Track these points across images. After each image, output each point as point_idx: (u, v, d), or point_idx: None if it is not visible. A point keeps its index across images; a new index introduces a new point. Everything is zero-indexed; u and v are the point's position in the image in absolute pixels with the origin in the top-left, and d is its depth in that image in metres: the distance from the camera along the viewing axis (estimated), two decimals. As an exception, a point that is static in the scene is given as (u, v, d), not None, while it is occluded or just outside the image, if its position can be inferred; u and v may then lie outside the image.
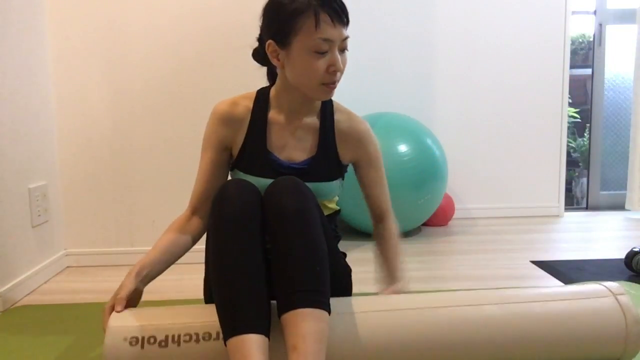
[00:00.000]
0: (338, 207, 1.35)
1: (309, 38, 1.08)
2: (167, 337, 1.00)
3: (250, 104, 1.23)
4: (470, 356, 1.07)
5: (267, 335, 0.96)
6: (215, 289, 0.99)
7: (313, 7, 1.07)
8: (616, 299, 1.10)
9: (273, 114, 1.23)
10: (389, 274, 1.28)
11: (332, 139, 1.24)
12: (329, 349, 0.98)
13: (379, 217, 1.37)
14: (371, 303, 1.13)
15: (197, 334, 1.01)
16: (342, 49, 1.14)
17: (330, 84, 1.14)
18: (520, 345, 1.06)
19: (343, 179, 1.32)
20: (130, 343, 0.98)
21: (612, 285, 1.15)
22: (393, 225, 1.37)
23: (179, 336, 1.00)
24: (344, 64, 1.15)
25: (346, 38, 1.13)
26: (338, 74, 1.14)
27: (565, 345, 1.08)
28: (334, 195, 1.31)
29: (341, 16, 1.09)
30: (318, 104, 1.24)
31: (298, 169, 1.21)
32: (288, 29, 1.09)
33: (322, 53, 1.10)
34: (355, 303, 1.12)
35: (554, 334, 1.06)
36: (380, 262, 1.32)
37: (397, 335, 1.06)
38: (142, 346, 0.98)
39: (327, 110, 1.25)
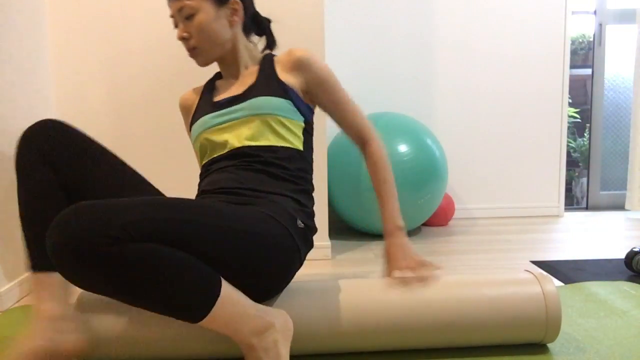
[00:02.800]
0: (300, 148, 1.27)
1: None
2: None
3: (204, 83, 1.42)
4: (403, 338, 1.17)
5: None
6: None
7: None
8: (541, 287, 1.20)
9: (221, 79, 1.40)
10: (387, 220, 1.30)
11: (272, 69, 1.30)
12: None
13: (361, 144, 1.36)
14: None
15: None
16: (187, 16, 1.24)
17: (187, 52, 1.28)
18: (452, 328, 1.17)
19: (295, 105, 1.26)
20: None
21: (542, 274, 1.25)
22: (379, 151, 1.34)
23: None
24: (190, 30, 1.25)
25: (181, 7, 1.23)
26: (183, 42, 1.26)
27: (493, 328, 1.17)
28: (282, 112, 1.24)
29: None
30: (255, 57, 1.35)
31: (236, 96, 1.28)
32: None
33: (176, 24, 1.28)
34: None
35: (483, 317, 1.17)
36: (378, 202, 1.35)
37: (333, 316, 1.15)
38: None
39: (266, 59, 1.33)
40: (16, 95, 1.75)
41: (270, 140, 1.22)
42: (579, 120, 3.86)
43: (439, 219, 2.74)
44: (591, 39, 3.18)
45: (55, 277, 1.07)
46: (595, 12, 3.08)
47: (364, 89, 2.88)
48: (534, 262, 2.03)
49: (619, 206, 3.15)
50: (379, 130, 2.39)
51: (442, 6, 2.86)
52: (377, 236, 2.54)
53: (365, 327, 1.15)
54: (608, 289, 1.65)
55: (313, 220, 1.25)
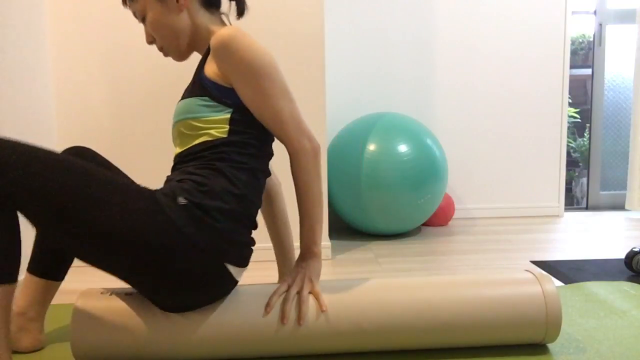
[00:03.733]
0: (223, 136, 1.15)
1: None
2: (133, 291, 1.18)
3: None
4: (403, 339, 1.17)
5: None
6: None
7: None
8: (541, 287, 1.20)
9: None
10: (301, 241, 1.20)
11: (204, 58, 1.20)
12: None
13: (289, 154, 1.18)
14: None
15: None
16: (142, 20, 1.22)
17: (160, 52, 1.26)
18: (452, 328, 1.16)
19: (213, 99, 1.15)
20: (102, 293, 1.19)
21: (542, 274, 1.24)
22: (302, 163, 1.16)
23: None
24: (150, 32, 1.23)
25: (134, 13, 1.23)
26: (154, 44, 1.25)
27: (493, 328, 1.17)
28: (193, 114, 1.16)
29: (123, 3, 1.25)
30: (202, 46, 1.26)
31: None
32: None
33: None
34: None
35: (483, 318, 1.17)
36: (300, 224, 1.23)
37: (329, 318, 1.14)
38: (110, 294, 1.18)
39: (209, 45, 1.20)
40: (16, 95, 1.75)
41: (188, 143, 1.17)
42: (579, 120, 3.86)
43: (439, 219, 2.74)
44: (591, 39, 3.18)
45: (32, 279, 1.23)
46: (595, 12, 3.08)
47: (364, 89, 2.88)
48: (534, 262, 2.03)
49: (619, 206, 3.15)
50: (379, 130, 2.38)
51: (442, 6, 2.86)
52: (377, 236, 2.54)
53: (365, 327, 1.15)
54: (608, 289, 1.65)
55: (222, 200, 1.10)
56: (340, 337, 1.15)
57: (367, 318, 1.15)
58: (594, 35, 3.12)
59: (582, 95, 3.74)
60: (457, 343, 1.20)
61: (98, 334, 1.12)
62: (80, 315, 1.13)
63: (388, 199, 2.32)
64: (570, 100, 3.16)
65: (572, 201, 3.77)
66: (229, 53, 1.11)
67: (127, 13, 2.00)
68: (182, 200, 1.06)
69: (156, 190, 1.09)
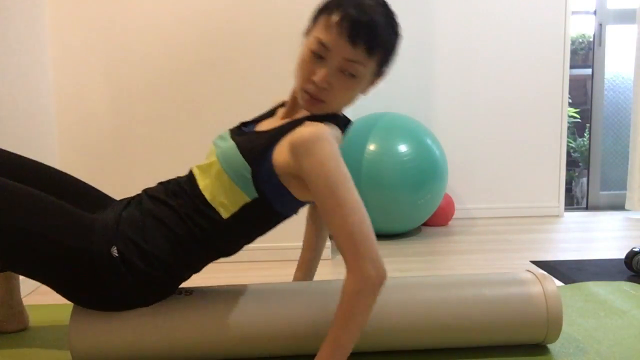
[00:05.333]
0: (222, 216, 1.09)
1: (313, 34, 1.08)
2: None
3: None
4: (404, 339, 1.16)
5: None
6: None
7: (338, 10, 1.04)
8: (542, 287, 1.20)
9: (282, 107, 1.23)
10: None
11: (288, 129, 1.08)
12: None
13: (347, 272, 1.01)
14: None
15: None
16: (343, 70, 1.04)
17: (308, 93, 1.05)
18: (453, 328, 1.16)
19: (253, 175, 1.06)
20: None
21: (543, 274, 1.24)
22: (347, 287, 0.97)
23: None
24: (336, 84, 1.05)
25: (352, 60, 1.03)
26: (314, 86, 1.04)
27: (494, 328, 1.17)
28: (230, 172, 1.07)
29: (354, 35, 1.02)
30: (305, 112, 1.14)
31: (243, 131, 1.18)
32: (313, 20, 1.12)
33: (317, 56, 1.04)
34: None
35: (483, 318, 1.16)
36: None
37: (329, 319, 1.09)
38: None
39: (310, 117, 1.11)
40: (16, 96, 1.75)
41: (202, 184, 1.11)
42: (579, 120, 3.86)
43: (439, 219, 2.74)
44: (591, 39, 3.18)
45: None
46: (595, 12, 3.08)
47: (364, 89, 2.88)
48: (534, 262, 2.03)
49: (619, 206, 3.14)
50: (379, 130, 2.38)
51: (442, 6, 2.86)
52: (377, 236, 2.52)
53: (365, 328, 1.15)
54: (608, 289, 1.65)
55: (152, 267, 1.08)
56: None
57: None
58: (594, 35, 3.12)
59: (582, 95, 3.74)
60: (457, 343, 1.20)
61: (97, 334, 1.12)
62: (79, 316, 1.13)
63: (388, 199, 2.32)
64: (570, 100, 3.16)
65: (572, 201, 3.77)
66: (306, 154, 1.00)
67: (128, 13, 2.00)
68: (114, 252, 1.06)
69: (106, 217, 1.12)
